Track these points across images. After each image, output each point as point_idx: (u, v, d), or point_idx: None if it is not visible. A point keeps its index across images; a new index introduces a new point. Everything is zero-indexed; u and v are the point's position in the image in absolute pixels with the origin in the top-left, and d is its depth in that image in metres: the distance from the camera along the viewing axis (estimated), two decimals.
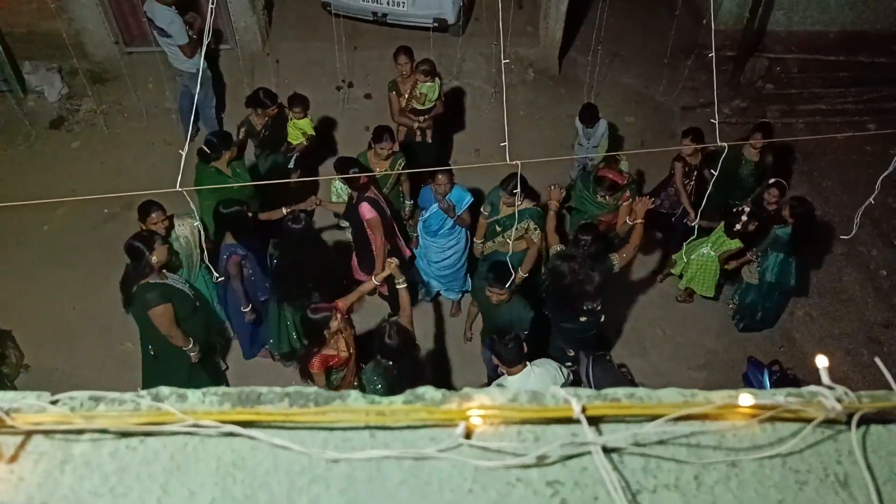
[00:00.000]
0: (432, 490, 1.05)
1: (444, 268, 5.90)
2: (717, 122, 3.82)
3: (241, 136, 5.96)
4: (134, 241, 4.42)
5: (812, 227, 5.83)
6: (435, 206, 5.54)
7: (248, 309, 5.23)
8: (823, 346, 6.27)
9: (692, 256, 5.98)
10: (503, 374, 4.32)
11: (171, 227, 4.95)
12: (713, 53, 3.78)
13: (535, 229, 5.27)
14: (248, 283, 5.18)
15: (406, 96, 6.23)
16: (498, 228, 5.46)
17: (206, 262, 4.95)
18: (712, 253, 5.89)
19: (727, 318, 6.50)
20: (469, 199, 5.55)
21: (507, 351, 4.11)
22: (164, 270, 4.57)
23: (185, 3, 6.67)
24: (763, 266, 5.87)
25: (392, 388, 4.34)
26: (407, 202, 6.09)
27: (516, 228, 4.99)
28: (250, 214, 5.07)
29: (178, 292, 4.58)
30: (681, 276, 6.27)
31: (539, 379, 4.18)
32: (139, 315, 4.56)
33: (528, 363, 4.23)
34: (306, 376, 4.46)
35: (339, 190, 5.91)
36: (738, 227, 5.59)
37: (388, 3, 7.81)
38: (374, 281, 4.81)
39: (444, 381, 5.74)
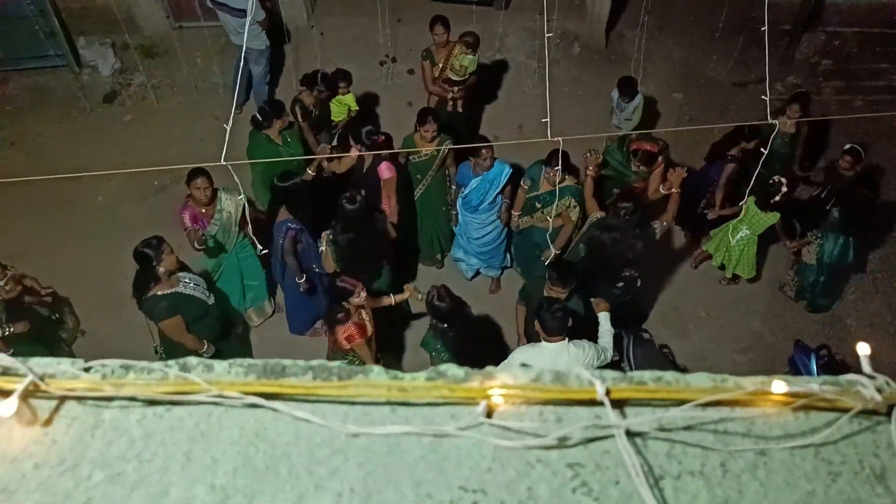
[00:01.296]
0: (450, 467, 1.05)
1: (484, 244, 5.87)
2: (768, 99, 3.71)
3: (298, 117, 5.94)
4: (143, 249, 4.29)
5: (870, 208, 5.69)
6: (475, 182, 5.50)
7: (302, 279, 5.28)
8: (875, 332, 6.07)
9: (732, 243, 5.87)
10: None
11: (214, 198, 5.08)
12: (766, 27, 3.63)
13: (575, 207, 5.20)
14: (303, 255, 5.26)
15: (440, 66, 6.16)
16: (537, 204, 5.40)
17: (251, 235, 5.06)
18: (750, 234, 5.80)
19: (774, 299, 6.33)
20: (508, 170, 5.49)
21: (552, 319, 4.01)
22: (177, 273, 4.50)
23: None
24: (822, 247, 5.75)
25: (455, 352, 4.46)
26: (453, 186, 5.91)
27: (556, 205, 4.93)
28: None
29: (188, 299, 4.51)
30: (722, 267, 6.12)
31: (573, 358, 4.10)
32: (150, 321, 4.56)
33: (567, 338, 4.16)
34: (335, 346, 4.54)
35: None
36: (777, 198, 5.48)
37: None
38: (393, 301, 4.93)
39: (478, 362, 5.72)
